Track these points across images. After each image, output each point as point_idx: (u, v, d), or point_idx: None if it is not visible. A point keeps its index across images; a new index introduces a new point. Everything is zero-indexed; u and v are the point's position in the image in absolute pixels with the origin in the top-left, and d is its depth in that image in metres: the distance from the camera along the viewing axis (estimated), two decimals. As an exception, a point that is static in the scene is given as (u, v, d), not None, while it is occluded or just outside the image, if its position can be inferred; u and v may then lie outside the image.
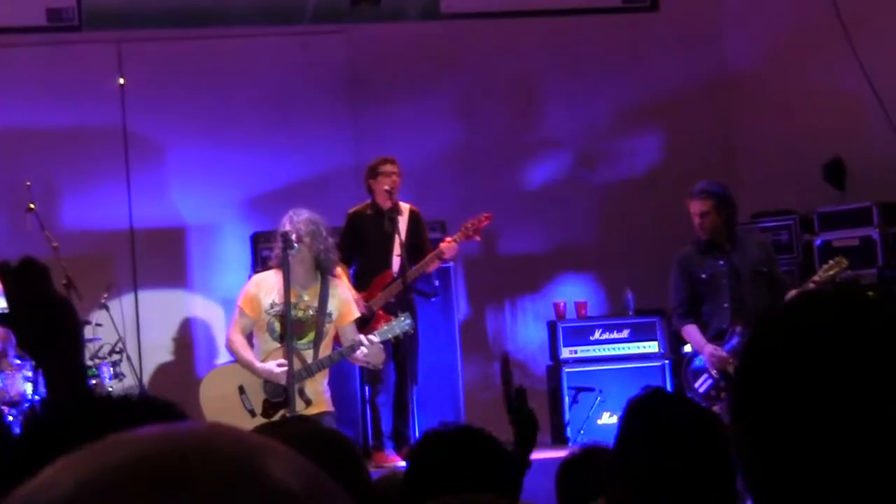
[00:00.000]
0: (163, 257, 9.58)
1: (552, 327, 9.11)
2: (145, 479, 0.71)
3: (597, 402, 8.70)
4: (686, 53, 10.20)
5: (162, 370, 9.45)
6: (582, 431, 8.57)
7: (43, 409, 7.19)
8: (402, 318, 6.89)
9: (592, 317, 9.37)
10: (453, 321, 8.93)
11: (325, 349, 6.83)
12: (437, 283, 8.64)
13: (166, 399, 1.45)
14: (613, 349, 8.98)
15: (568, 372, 8.87)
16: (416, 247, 7.95)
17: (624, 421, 2.78)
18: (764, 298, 7.24)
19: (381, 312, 7.74)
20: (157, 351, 9.53)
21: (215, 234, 9.76)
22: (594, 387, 8.74)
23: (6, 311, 6.38)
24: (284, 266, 6.62)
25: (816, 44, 9.64)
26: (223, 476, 0.72)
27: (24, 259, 6.56)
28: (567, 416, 8.74)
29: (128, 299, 9.32)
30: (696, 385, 7.37)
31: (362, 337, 6.75)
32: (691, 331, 7.41)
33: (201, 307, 9.71)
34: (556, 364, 8.99)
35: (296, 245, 6.67)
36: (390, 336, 6.87)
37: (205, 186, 9.65)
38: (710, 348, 7.31)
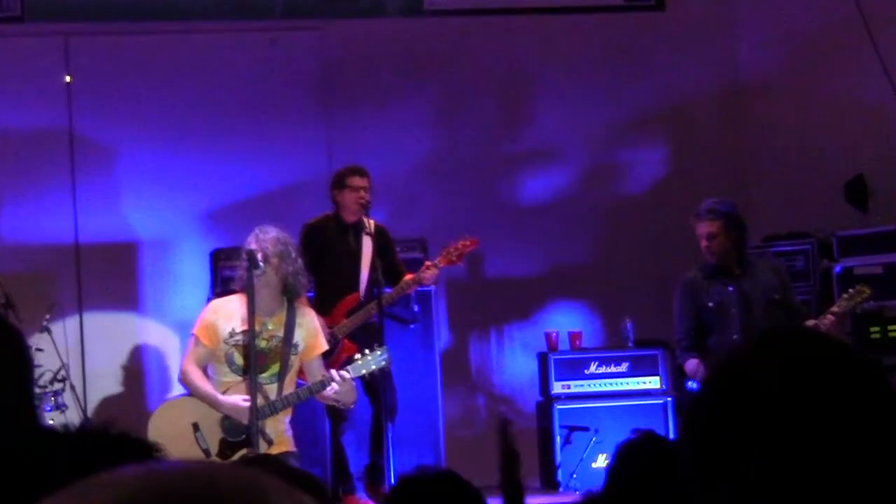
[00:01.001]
0: (112, 276, 9.52)
1: (543, 359, 9.06)
2: None
3: (591, 442, 8.64)
4: (694, 57, 10.28)
5: (108, 401, 9.35)
6: (574, 475, 8.53)
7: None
8: (379, 353, 6.78)
9: (587, 348, 9.32)
10: (433, 350, 8.92)
11: (290, 384, 6.71)
12: (416, 308, 8.61)
13: (140, 437, 1.56)
14: (610, 384, 8.97)
15: (560, 409, 8.84)
16: (389, 267, 7.84)
17: (613, 468, 2.82)
18: None
19: (346, 341, 7.68)
20: (104, 380, 9.44)
21: (171, 251, 9.68)
22: (589, 426, 8.70)
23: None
24: (249, 288, 6.48)
25: (838, 47, 9.73)
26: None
27: None
28: (558, 458, 8.71)
29: (72, 322, 9.23)
30: None
31: (334, 372, 6.62)
32: (695, 364, 7.42)
33: (154, 332, 9.63)
34: (547, 400, 8.93)
35: (261, 265, 6.50)
36: (365, 372, 6.77)
37: (160, 197, 9.58)
38: None
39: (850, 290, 7.20)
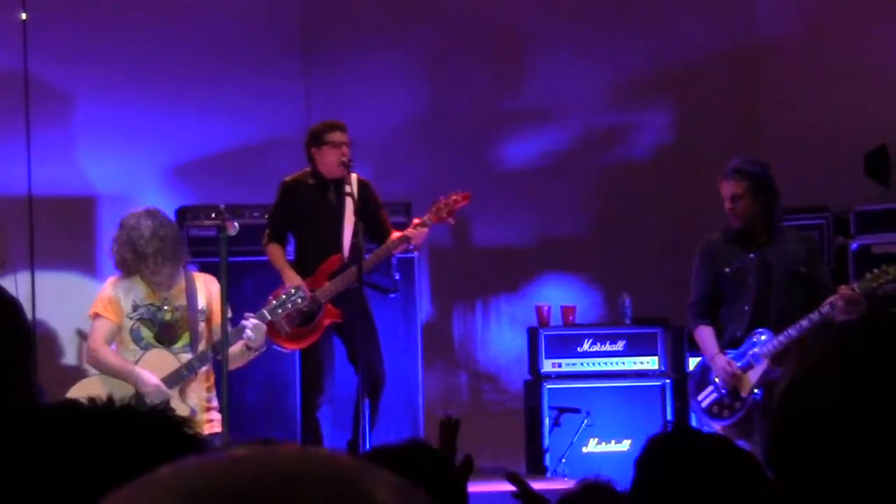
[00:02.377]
0: (67, 232, 9.43)
1: (532, 335, 9.06)
2: (257, 500, 0.80)
3: (583, 425, 8.65)
4: (707, 13, 10.26)
5: (59, 367, 9.23)
6: (563, 460, 8.56)
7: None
8: (293, 292, 7.20)
9: (581, 324, 9.32)
10: (415, 322, 8.95)
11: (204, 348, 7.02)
12: (397, 276, 8.51)
13: (180, 416, 1.57)
14: (605, 364, 8.98)
15: (549, 389, 8.83)
16: (375, 224, 7.86)
17: (640, 465, 2.79)
18: (797, 303, 7.17)
19: (328, 306, 7.70)
20: (55, 343, 9.36)
21: (131, 207, 9.21)
22: (580, 408, 8.70)
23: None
24: (223, 264, 6.56)
25: (862, 5, 9.76)
26: (331, 498, 0.80)
27: None
28: (546, 441, 8.73)
29: (23, 279, 9.07)
30: (699, 397, 7.41)
31: (250, 318, 6.92)
32: (705, 334, 7.37)
33: None
34: (536, 379, 8.94)
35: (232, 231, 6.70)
36: (280, 311, 7.11)
37: (121, 149, 9.45)
38: (721, 360, 7.25)
39: (875, 270, 7.10)
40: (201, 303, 6.90)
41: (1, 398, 6.05)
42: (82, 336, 9.37)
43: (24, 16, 9.25)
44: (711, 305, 7.37)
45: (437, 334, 9.64)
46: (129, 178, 9.48)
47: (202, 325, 6.91)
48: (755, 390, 7.06)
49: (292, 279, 7.56)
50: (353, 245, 7.72)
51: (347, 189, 7.75)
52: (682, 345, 8.92)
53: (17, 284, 8.68)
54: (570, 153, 10.15)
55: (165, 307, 6.87)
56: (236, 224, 6.64)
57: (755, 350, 7.15)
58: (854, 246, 8.79)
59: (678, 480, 2.69)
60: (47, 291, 9.28)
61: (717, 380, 7.26)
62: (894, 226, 8.74)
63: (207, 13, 9.64)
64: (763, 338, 7.12)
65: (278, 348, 7.64)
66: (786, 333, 6.98)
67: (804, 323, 6.93)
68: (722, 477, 2.68)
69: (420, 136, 9.89)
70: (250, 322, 6.75)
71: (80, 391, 6.84)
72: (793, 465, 1.18)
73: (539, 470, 8.58)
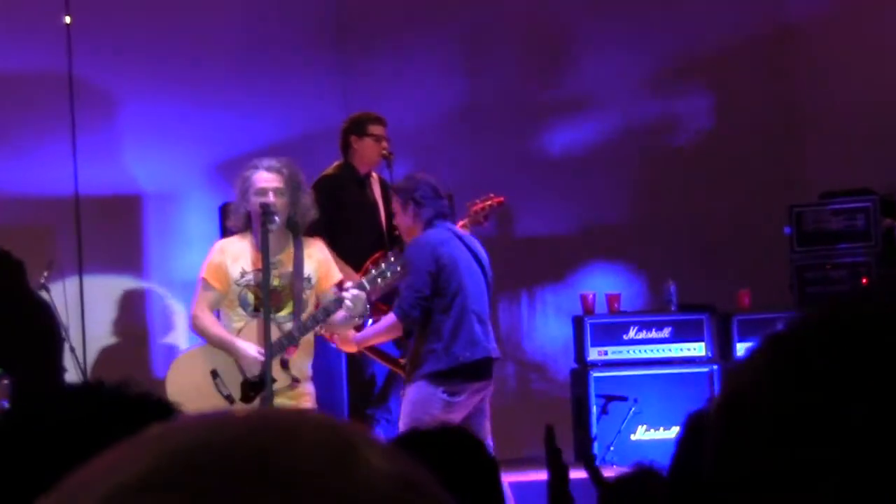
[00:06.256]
0: (113, 231, 9.51)
1: (578, 323, 9.08)
2: (240, 458, 0.77)
3: (630, 413, 8.65)
4: None
5: (110, 365, 9.28)
6: (612, 448, 8.53)
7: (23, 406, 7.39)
8: (392, 260, 6.74)
9: (627, 312, 9.31)
10: None
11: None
12: None
13: (161, 397, 1.59)
14: (651, 351, 8.96)
15: (596, 377, 8.84)
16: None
17: (681, 442, 2.77)
18: None
19: (380, 305, 7.60)
20: (105, 342, 9.47)
21: (176, 205, 9.69)
22: (627, 395, 8.69)
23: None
24: (264, 241, 6.48)
25: None
26: (325, 457, 0.78)
27: None
28: (594, 429, 8.71)
29: (71, 280, 9.20)
30: None
31: (350, 288, 6.59)
32: None
33: (159, 291, 9.65)
34: (583, 367, 8.96)
35: (276, 219, 6.53)
36: (380, 281, 6.70)
37: (165, 147, 9.54)
38: None
39: None
40: (308, 270, 6.71)
41: (30, 389, 6.11)
42: (129, 335, 9.52)
43: (68, 19, 9.30)
44: None
45: None
46: (174, 176, 9.56)
47: (307, 294, 6.71)
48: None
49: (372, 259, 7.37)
50: (396, 239, 7.66)
51: (371, 182, 7.79)
52: (730, 331, 8.87)
53: (65, 284, 8.88)
54: (610, 141, 10.08)
55: (274, 271, 6.62)
56: (277, 219, 6.52)
57: None
58: (901, 227, 8.74)
59: None
60: (95, 290, 9.35)
61: None
62: (941, 205, 8.63)
63: (246, 11, 9.67)
64: None
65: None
66: None
67: None
68: None
69: (459, 127, 9.86)
70: (350, 293, 6.48)
71: (182, 365, 6.85)
72: (739, 481, 1.12)
73: (587, 458, 8.47)
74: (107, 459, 0.79)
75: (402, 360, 7.34)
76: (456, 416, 6.82)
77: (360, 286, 6.56)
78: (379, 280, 6.65)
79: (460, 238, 7.12)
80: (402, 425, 6.91)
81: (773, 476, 1.09)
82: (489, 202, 7.88)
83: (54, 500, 0.79)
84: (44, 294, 8.50)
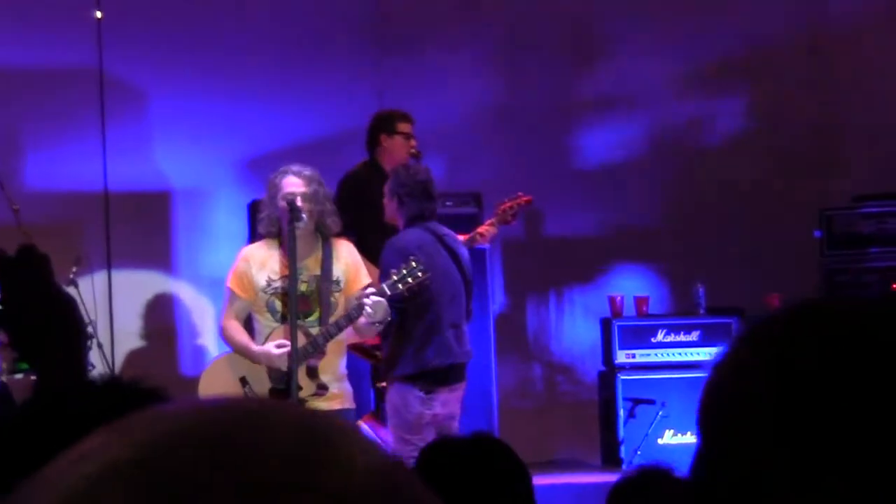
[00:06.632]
0: (142, 227, 9.54)
1: (606, 326, 9.08)
2: (209, 444, 0.76)
3: (658, 416, 8.64)
4: None
5: (138, 361, 9.36)
6: (639, 452, 8.52)
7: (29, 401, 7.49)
8: (413, 265, 6.64)
9: (655, 315, 9.31)
10: (488, 314, 8.85)
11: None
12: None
13: (155, 385, 1.61)
14: (679, 354, 8.96)
15: (624, 380, 8.86)
16: None
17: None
18: None
19: None
20: (133, 338, 9.50)
21: (206, 201, 9.70)
22: (655, 399, 8.69)
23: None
24: (291, 241, 6.49)
25: None
26: (295, 447, 0.77)
27: (21, 248, 6.59)
28: (621, 433, 8.74)
29: (100, 276, 9.23)
30: None
31: (368, 295, 6.53)
32: None
33: (187, 287, 9.67)
34: (610, 370, 8.97)
35: (304, 217, 6.52)
36: (401, 286, 6.62)
37: (195, 143, 9.56)
38: None
39: None
40: (337, 272, 6.70)
41: (57, 382, 6.14)
42: (157, 331, 9.53)
43: (98, 14, 9.33)
44: None
45: (510, 326, 9.63)
46: (204, 173, 9.58)
47: (336, 297, 6.70)
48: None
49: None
50: None
51: None
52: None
53: (94, 280, 8.93)
54: (642, 142, 10.08)
55: (301, 277, 6.61)
56: (304, 217, 6.50)
57: None
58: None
59: None
60: (124, 286, 9.38)
61: None
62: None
63: (279, 8, 9.67)
64: None
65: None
66: None
67: None
68: None
69: (491, 126, 9.86)
70: (371, 300, 6.46)
71: (212, 371, 6.88)
72: (730, 471, 1.14)
73: (614, 462, 8.53)
74: (72, 451, 0.79)
75: (379, 353, 7.38)
76: (437, 409, 6.92)
77: (380, 292, 6.55)
78: (400, 285, 6.61)
79: (441, 239, 7.09)
80: (390, 426, 6.99)
81: (774, 477, 1.12)
82: (517, 201, 7.92)
83: (20, 497, 0.78)
84: (72, 289, 8.51)
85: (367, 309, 6.48)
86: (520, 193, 7.97)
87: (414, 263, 6.68)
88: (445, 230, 7.21)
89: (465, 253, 7.19)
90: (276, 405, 0.81)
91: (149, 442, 0.77)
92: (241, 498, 0.75)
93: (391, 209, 7.11)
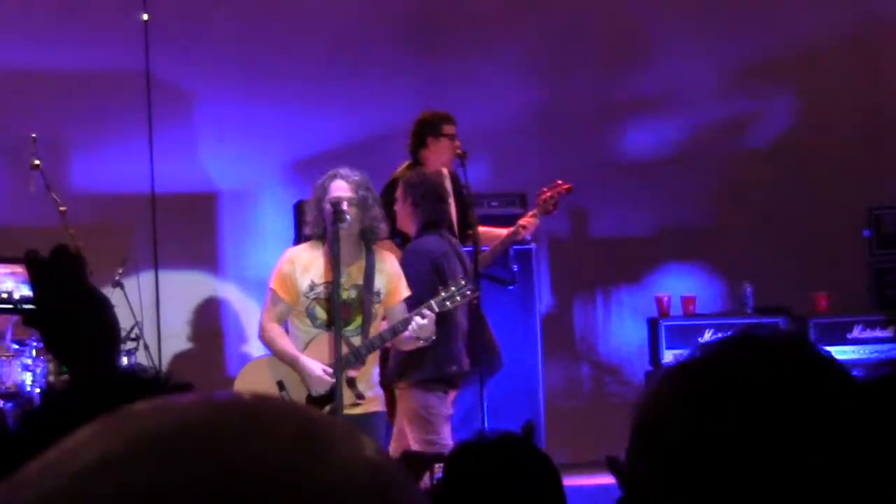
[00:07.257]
0: (189, 228, 9.58)
1: (653, 325, 9.10)
2: (200, 438, 0.76)
3: None
4: None
5: (184, 361, 9.41)
6: None
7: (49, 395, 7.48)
8: (462, 284, 6.70)
9: (702, 314, 9.29)
10: (534, 314, 8.87)
11: (375, 334, 6.76)
12: (515, 267, 8.56)
13: (182, 380, 1.62)
14: None
15: None
16: (465, 222, 7.76)
17: None
18: None
19: None
20: (179, 339, 9.54)
21: (252, 203, 9.75)
22: None
23: (32, 307, 6.47)
24: (335, 243, 6.47)
25: None
26: (289, 443, 0.76)
27: (55, 248, 6.56)
28: None
29: (146, 276, 9.27)
30: None
31: (421, 310, 6.59)
32: None
33: (233, 289, 9.71)
34: (657, 370, 8.95)
35: (348, 218, 6.50)
36: (449, 304, 6.66)
37: (241, 145, 9.61)
38: None
39: None
40: (378, 284, 6.66)
41: (90, 382, 6.25)
42: (204, 332, 9.55)
43: (145, 16, 9.38)
44: None
45: (558, 326, 9.63)
46: (250, 174, 9.61)
47: (376, 308, 6.67)
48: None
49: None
50: (469, 237, 7.62)
51: (445, 181, 7.69)
52: (807, 334, 8.69)
53: (140, 281, 8.96)
54: (689, 142, 10.06)
55: (344, 284, 6.56)
56: (348, 218, 6.46)
57: None
58: None
59: None
60: (170, 287, 9.40)
61: None
62: None
63: (324, 11, 9.70)
64: None
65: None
66: None
67: None
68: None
69: (535, 127, 9.86)
70: (420, 319, 6.48)
71: (249, 373, 6.84)
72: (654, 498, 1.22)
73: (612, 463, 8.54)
74: (66, 442, 0.79)
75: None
76: (450, 409, 7.13)
77: (429, 308, 6.56)
78: (448, 303, 6.64)
79: (455, 248, 7.23)
80: (411, 436, 7.00)
81: (683, 495, 1.21)
82: (557, 189, 7.94)
83: (9, 486, 0.78)
84: (117, 291, 8.48)
85: (414, 325, 6.52)
86: (559, 181, 7.96)
87: (463, 282, 6.72)
88: (455, 239, 7.32)
89: (467, 261, 7.30)
90: (273, 402, 0.80)
91: (142, 436, 0.76)
92: (235, 494, 0.73)
93: (403, 215, 7.16)
